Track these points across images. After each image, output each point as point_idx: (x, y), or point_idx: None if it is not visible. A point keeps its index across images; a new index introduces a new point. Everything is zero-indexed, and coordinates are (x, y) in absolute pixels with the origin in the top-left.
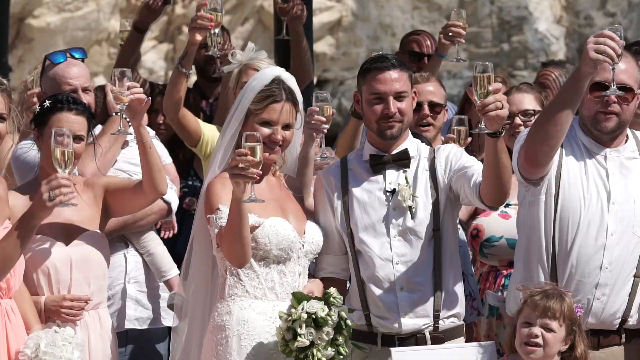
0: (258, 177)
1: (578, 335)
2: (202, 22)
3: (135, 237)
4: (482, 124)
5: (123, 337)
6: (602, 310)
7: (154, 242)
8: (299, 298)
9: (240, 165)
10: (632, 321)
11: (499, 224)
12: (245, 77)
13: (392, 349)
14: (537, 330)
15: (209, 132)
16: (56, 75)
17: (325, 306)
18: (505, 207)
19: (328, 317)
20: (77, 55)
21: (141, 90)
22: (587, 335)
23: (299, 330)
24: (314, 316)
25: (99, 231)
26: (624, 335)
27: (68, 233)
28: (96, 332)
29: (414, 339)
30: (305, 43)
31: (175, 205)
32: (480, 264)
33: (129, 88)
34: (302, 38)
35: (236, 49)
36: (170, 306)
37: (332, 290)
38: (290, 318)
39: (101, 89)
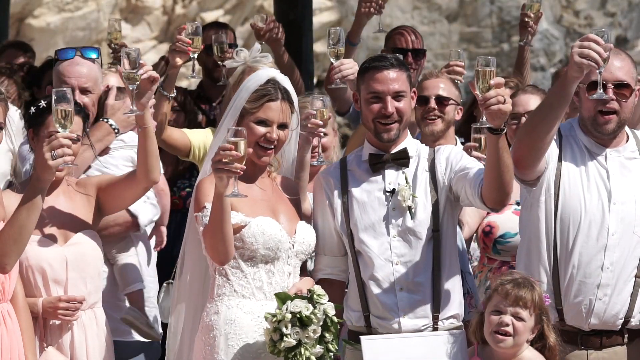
0: (241, 172)
1: (547, 324)
2: (180, 45)
3: (107, 247)
4: (484, 118)
5: None
6: (604, 311)
7: (125, 254)
8: (282, 298)
9: (224, 160)
10: (634, 321)
11: (513, 221)
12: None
13: (362, 337)
14: (507, 318)
15: (197, 138)
16: (58, 72)
17: (310, 304)
18: (517, 204)
19: (312, 316)
20: (87, 55)
21: (150, 67)
22: (555, 331)
23: (284, 330)
24: (298, 315)
25: (93, 231)
26: (626, 336)
27: (63, 233)
28: (93, 331)
29: None
30: (290, 62)
31: (143, 220)
32: (488, 260)
33: (138, 67)
34: (284, 60)
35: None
36: (124, 320)
37: (316, 288)
38: (275, 319)
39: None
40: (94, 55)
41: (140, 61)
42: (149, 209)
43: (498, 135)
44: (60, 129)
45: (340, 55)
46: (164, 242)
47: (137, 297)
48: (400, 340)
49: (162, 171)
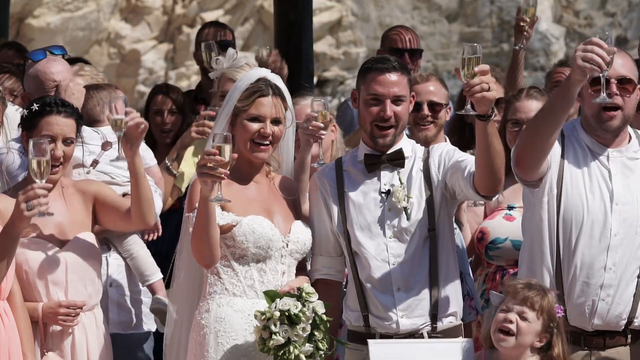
0: (225, 178)
1: (557, 336)
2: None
3: (118, 240)
4: (468, 105)
5: None
6: (607, 312)
7: (137, 246)
8: (271, 296)
9: (208, 165)
10: (637, 322)
11: (503, 226)
12: (223, 87)
13: (369, 341)
14: (512, 315)
15: (185, 171)
16: (38, 72)
17: (299, 302)
18: (509, 209)
19: (301, 314)
20: (56, 52)
21: (138, 114)
22: (567, 338)
23: (273, 328)
24: (287, 313)
25: (90, 233)
26: (629, 336)
27: (61, 236)
28: (93, 333)
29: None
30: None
31: (159, 208)
32: (487, 264)
33: (126, 114)
34: None
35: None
36: (153, 310)
37: (305, 286)
38: (264, 317)
39: (87, 90)
40: (61, 53)
41: (127, 108)
42: (158, 199)
43: (486, 121)
44: (37, 180)
45: None
46: (160, 231)
47: (159, 286)
48: (407, 345)
49: (154, 163)
